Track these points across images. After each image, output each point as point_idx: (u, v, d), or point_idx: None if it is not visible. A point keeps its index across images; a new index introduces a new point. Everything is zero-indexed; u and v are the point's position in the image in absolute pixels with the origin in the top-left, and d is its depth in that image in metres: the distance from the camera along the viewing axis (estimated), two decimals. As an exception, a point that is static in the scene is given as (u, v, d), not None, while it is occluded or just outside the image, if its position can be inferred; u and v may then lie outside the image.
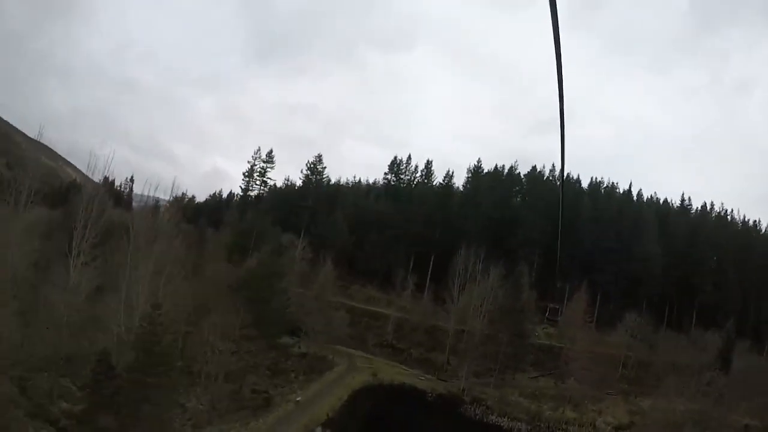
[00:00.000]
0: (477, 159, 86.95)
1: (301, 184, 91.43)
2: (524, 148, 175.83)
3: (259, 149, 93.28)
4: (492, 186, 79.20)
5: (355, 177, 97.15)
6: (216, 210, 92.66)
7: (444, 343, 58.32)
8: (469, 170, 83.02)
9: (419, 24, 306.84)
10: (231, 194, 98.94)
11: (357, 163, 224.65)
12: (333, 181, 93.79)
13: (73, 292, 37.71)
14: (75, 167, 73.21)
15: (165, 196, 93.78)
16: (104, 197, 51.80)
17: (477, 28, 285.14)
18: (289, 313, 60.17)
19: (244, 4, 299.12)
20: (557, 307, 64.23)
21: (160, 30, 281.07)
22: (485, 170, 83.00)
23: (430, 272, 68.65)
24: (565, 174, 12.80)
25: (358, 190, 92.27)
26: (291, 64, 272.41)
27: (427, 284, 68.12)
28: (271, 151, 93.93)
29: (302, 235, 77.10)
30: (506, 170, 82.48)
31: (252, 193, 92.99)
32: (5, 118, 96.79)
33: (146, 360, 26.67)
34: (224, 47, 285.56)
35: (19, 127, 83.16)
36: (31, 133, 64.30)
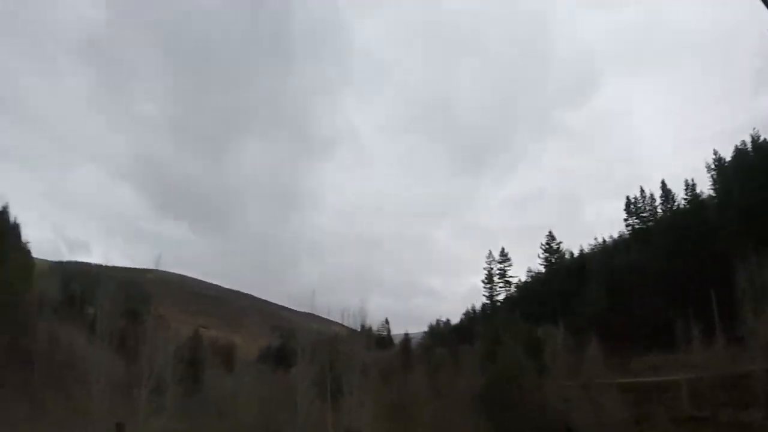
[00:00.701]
0: (712, 151, 67.78)
1: (543, 269, 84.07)
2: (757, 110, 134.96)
3: (490, 252, 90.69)
4: (743, 170, 59.81)
5: (596, 239, 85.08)
6: (471, 325, 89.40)
7: (757, 393, 41.19)
8: (707, 167, 65.16)
9: (596, 58, 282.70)
10: (483, 306, 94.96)
11: (599, 223, 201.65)
12: (576, 253, 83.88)
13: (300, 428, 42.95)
14: (341, 325, 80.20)
15: (423, 328, 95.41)
16: (321, 345, 55.51)
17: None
18: (550, 411, 51.96)
19: (437, 126, 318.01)
20: None
21: (377, 185, 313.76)
22: (726, 159, 63.87)
23: (715, 308, 52.18)
24: None
25: (604, 251, 79.79)
26: (502, 158, 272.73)
27: (716, 323, 51.52)
28: (503, 250, 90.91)
29: (558, 322, 68.25)
30: (749, 143, 62.01)
31: (498, 297, 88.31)
32: (276, 301, 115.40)
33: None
34: (436, 173, 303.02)
35: (288, 305, 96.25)
36: (299, 308, 73.83)
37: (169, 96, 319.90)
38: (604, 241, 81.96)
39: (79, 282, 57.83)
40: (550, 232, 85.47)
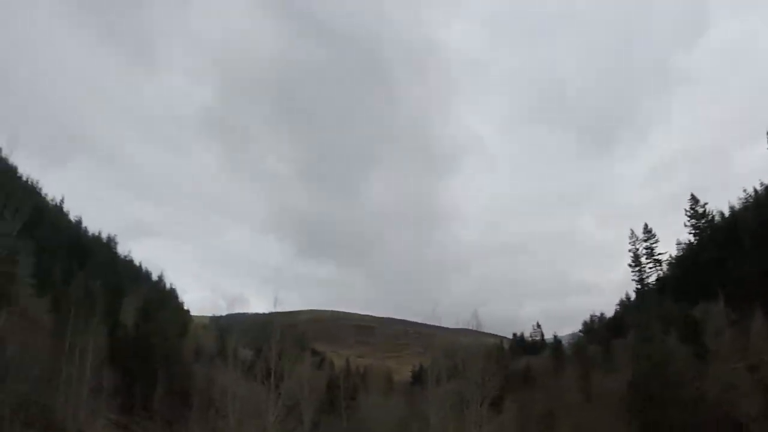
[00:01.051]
0: None
1: (693, 238, 74.91)
2: None
3: (632, 232, 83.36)
4: None
5: (745, 191, 75.17)
6: (624, 316, 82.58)
7: None
8: None
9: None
10: (636, 291, 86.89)
11: (749, 173, 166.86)
12: (727, 212, 73.65)
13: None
14: (493, 335, 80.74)
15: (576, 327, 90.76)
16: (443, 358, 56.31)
17: None
18: (709, 401, 46.52)
19: (554, 112, 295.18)
20: None
21: (509, 186, 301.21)
22: None
23: None
24: None
25: (757, 204, 68.90)
26: (630, 128, 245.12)
27: None
28: (646, 226, 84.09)
29: (719, 297, 60.56)
30: None
31: (649, 279, 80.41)
32: (429, 321, 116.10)
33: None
34: (565, 161, 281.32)
35: (441, 324, 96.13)
36: (452, 324, 75.44)
37: (292, 148, 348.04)
38: (755, 191, 70.81)
39: (235, 330, 66.35)
40: (692, 195, 76.77)
